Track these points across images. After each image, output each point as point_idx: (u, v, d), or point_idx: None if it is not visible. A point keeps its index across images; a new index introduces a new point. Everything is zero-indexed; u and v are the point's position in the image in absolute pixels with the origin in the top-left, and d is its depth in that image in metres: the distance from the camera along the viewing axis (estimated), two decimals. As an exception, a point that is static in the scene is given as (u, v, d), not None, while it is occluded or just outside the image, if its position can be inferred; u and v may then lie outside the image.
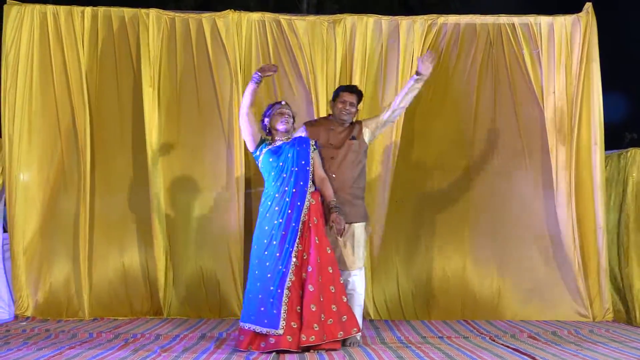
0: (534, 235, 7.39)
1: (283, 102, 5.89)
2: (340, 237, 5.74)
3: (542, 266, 7.35)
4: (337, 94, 6.10)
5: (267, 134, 5.89)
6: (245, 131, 5.85)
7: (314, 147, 5.77)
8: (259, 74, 5.78)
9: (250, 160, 7.22)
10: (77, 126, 7.13)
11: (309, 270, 5.48)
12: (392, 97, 7.15)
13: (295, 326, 5.37)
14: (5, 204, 7.09)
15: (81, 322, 6.83)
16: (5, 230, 7.18)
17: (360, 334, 5.70)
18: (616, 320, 7.12)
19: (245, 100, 5.80)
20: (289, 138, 5.80)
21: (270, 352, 5.34)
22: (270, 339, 5.35)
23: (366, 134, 6.08)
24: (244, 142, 7.01)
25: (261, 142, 5.81)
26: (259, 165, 5.82)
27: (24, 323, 6.72)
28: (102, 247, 7.21)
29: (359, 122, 6.14)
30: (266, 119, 5.83)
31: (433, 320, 7.14)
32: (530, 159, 7.42)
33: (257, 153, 5.79)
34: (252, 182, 7.32)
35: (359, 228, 5.97)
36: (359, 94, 6.14)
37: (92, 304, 7.10)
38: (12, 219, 7.00)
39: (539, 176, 7.39)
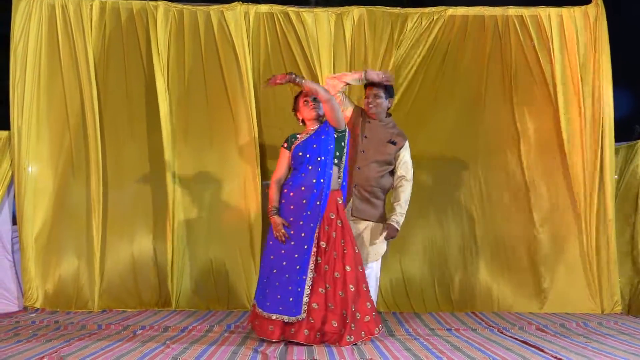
0: (543, 227, 7.37)
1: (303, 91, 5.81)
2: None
3: (551, 258, 7.33)
4: (365, 90, 6.17)
5: (301, 123, 5.87)
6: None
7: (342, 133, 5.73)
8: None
9: (264, 152, 7.28)
10: (86, 118, 7.12)
11: (347, 270, 5.47)
12: (401, 89, 7.30)
13: (317, 307, 5.38)
14: (14, 197, 7.11)
15: (90, 313, 6.84)
16: (14, 223, 7.20)
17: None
18: (625, 313, 7.11)
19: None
20: (321, 122, 5.76)
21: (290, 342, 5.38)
22: (292, 329, 5.38)
23: (398, 153, 6.11)
24: (257, 134, 7.16)
25: (291, 138, 5.80)
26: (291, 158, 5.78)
27: (33, 314, 6.74)
28: (111, 239, 7.22)
29: (404, 135, 6.15)
30: (298, 114, 5.83)
31: (441, 312, 7.14)
32: (540, 150, 7.39)
33: (286, 145, 5.80)
34: (267, 174, 7.29)
35: (374, 227, 5.99)
36: (383, 85, 6.10)
37: (102, 296, 7.10)
38: (21, 211, 7.03)
39: (548, 168, 7.36)
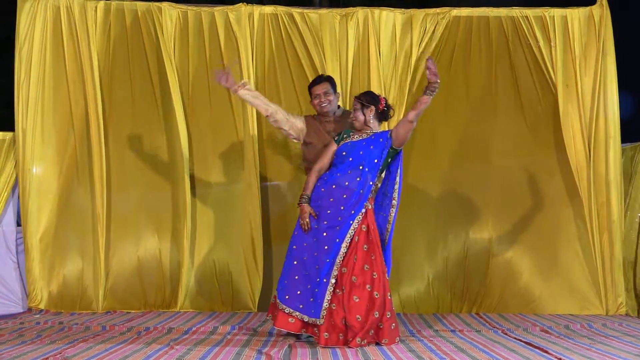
0: (548, 228, 7.34)
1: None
2: None
3: (555, 259, 7.31)
4: (309, 92, 6.07)
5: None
6: None
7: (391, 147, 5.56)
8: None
9: (264, 153, 7.28)
10: (90, 120, 7.10)
11: (375, 277, 5.37)
12: (405, 91, 7.23)
13: (335, 307, 5.31)
14: (18, 198, 7.11)
15: (94, 315, 6.83)
16: (18, 224, 7.20)
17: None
18: (629, 315, 7.07)
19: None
20: (366, 132, 5.63)
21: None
22: (315, 329, 5.36)
23: None
24: (256, 135, 7.11)
25: (343, 134, 5.69)
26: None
27: (38, 316, 6.74)
28: (116, 240, 7.22)
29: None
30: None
31: (445, 313, 7.12)
32: (548, 152, 7.38)
33: (337, 139, 5.70)
34: (267, 176, 7.38)
35: None
36: (328, 80, 6.05)
37: (106, 297, 7.09)
38: (25, 212, 7.01)
39: (553, 169, 7.35)
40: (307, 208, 5.53)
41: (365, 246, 5.44)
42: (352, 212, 5.44)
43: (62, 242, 7.17)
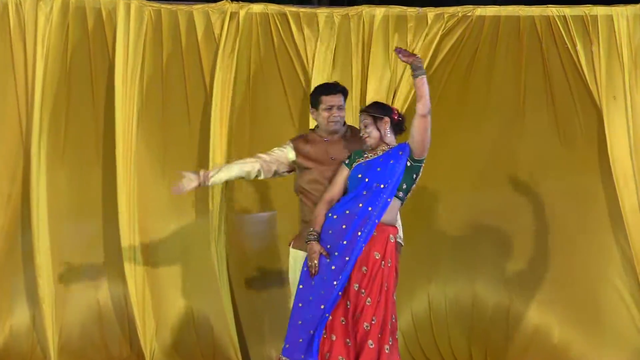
0: (590, 266, 6.71)
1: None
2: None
3: (597, 302, 6.67)
4: (317, 99, 5.24)
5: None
6: None
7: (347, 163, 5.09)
8: None
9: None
10: (33, 139, 6.39)
11: (373, 322, 4.83)
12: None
13: None
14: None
15: (47, 373, 6.29)
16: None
17: None
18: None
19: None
20: (382, 149, 5.07)
21: None
22: None
23: None
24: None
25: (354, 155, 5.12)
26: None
27: (-22, 377, 6.16)
28: (70, 284, 6.59)
29: None
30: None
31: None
32: (588, 175, 6.75)
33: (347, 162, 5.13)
34: (245, 206, 6.86)
35: None
36: (345, 92, 5.27)
37: (61, 351, 6.47)
38: (-33, 250, 6.42)
39: (599, 195, 6.71)
40: (317, 247, 4.94)
41: (385, 285, 4.94)
42: (359, 233, 4.93)
43: (9, 287, 6.56)
